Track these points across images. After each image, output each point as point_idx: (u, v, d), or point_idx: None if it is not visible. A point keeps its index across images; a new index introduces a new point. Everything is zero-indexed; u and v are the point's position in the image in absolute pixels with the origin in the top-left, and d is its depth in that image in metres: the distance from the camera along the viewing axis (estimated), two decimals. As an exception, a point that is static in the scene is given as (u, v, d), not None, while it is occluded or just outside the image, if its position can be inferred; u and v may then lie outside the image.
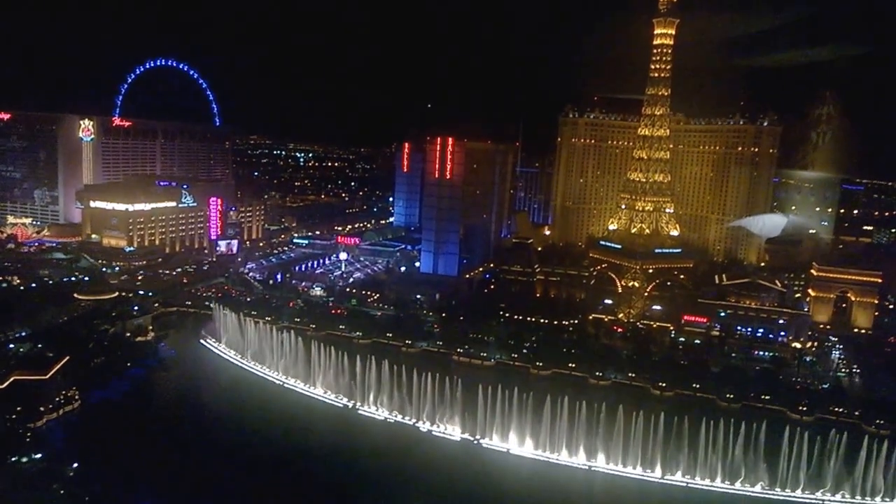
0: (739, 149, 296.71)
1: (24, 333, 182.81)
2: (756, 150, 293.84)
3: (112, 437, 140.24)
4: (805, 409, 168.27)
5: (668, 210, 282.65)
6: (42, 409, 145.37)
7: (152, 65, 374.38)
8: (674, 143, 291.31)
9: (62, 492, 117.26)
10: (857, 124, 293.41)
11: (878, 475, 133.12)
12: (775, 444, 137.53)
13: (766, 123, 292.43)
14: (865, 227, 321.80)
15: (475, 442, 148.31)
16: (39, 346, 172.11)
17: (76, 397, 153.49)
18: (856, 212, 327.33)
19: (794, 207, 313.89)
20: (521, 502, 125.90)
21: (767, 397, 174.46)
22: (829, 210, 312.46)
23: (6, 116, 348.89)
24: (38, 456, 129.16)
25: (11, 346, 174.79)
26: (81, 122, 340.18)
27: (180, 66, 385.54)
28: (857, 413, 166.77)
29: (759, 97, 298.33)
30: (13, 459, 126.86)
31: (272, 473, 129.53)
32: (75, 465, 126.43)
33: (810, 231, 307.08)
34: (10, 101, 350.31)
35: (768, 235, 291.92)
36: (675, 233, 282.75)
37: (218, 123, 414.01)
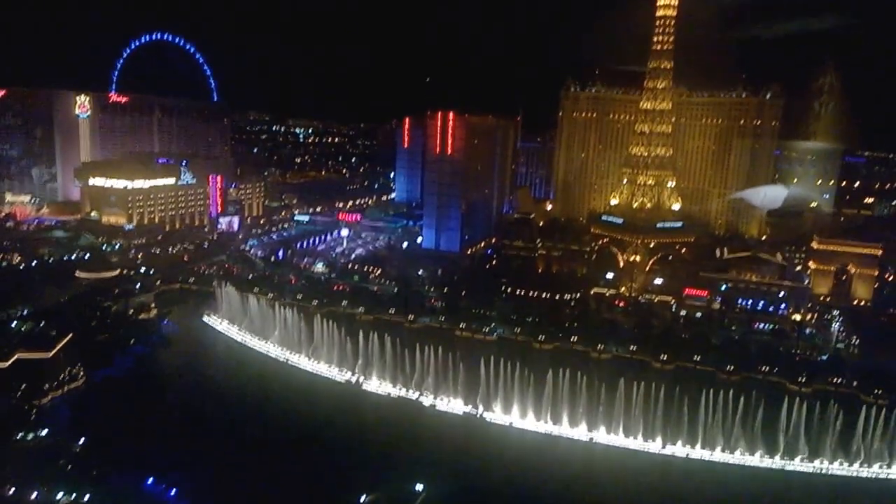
0: (742, 122, 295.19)
1: (26, 312, 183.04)
2: (758, 122, 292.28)
3: (117, 414, 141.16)
4: (804, 380, 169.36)
5: (669, 184, 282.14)
6: (47, 386, 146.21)
7: (147, 39, 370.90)
8: (676, 116, 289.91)
9: (69, 467, 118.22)
10: (859, 95, 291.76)
11: (876, 444, 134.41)
12: (774, 415, 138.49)
13: (768, 96, 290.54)
14: (867, 200, 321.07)
15: (478, 416, 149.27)
16: (42, 324, 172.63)
17: (81, 374, 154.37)
18: (857, 184, 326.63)
19: (795, 180, 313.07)
20: (523, 474, 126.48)
21: (767, 369, 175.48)
22: (831, 183, 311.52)
23: (1, 93, 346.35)
24: (45, 433, 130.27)
25: (14, 324, 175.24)
26: (77, 98, 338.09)
27: (176, 41, 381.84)
28: (855, 384, 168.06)
29: (762, 69, 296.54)
30: (20, 436, 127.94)
31: (276, 448, 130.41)
32: (82, 440, 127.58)
33: (812, 204, 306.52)
34: (4, 77, 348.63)
35: (769, 207, 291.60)
36: (676, 207, 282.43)
37: (216, 99, 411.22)
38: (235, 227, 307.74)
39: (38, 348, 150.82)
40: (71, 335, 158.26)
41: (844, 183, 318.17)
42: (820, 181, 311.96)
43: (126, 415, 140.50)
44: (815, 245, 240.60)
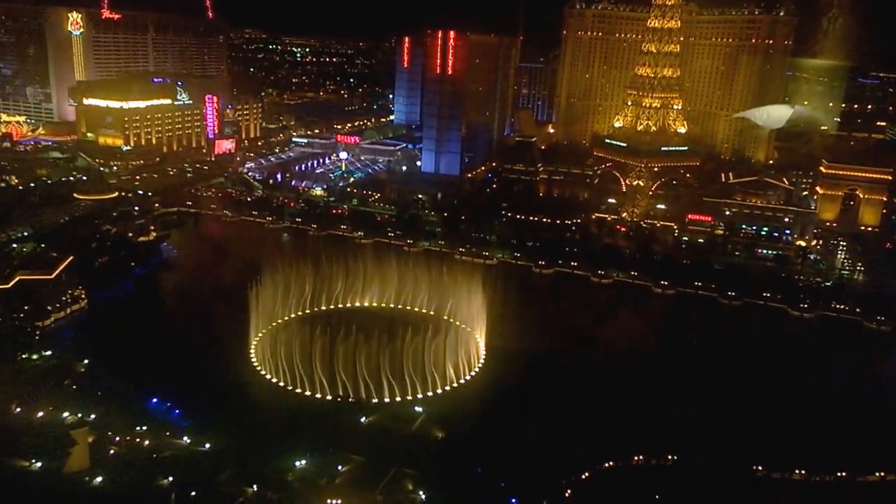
0: (753, 41, 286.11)
1: (25, 234, 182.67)
2: (770, 41, 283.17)
3: (120, 335, 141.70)
4: (806, 305, 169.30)
5: (675, 107, 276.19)
6: (49, 308, 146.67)
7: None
8: (684, 35, 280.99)
9: (74, 387, 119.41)
10: (874, 12, 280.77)
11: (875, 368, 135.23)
12: (775, 339, 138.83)
13: (781, 13, 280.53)
14: (878, 123, 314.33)
15: (476, 339, 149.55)
16: (42, 245, 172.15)
17: (82, 296, 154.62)
18: (869, 106, 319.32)
19: (805, 102, 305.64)
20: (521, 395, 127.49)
21: (769, 295, 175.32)
22: (842, 105, 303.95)
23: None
24: (49, 353, 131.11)
25: (14, 245, 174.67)
26: (69, 15, 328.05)
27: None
28: (857, 309, 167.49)
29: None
30: (24, 357, 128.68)
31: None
32: (86, 361, 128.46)
33: (821, 127, 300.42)
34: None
35: (773, 127, 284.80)
36: (682, 130, 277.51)
37: (210, 16, 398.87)
38: (232, 149, 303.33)
39: (40, 270, 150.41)
40: (71, 257, 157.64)
41: (856, 105, 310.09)
42: (831, 103, 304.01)
43: (128, 335, 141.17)
44: (822, 169, 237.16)
